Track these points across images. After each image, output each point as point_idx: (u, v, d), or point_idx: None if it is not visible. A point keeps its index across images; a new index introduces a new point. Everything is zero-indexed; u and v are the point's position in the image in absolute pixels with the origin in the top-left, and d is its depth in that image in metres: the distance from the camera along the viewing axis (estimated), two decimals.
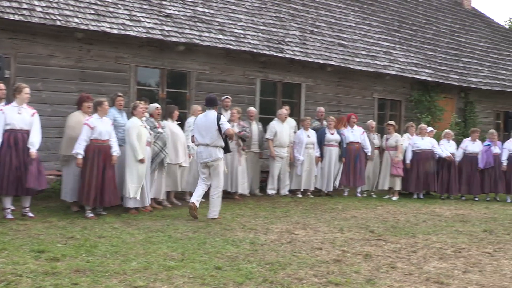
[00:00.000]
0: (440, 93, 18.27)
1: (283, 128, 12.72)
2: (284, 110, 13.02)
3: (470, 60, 21.00)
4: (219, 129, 8.95)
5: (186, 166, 10.82)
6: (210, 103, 9.14)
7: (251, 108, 12.87)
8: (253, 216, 9.68)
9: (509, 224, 9.99)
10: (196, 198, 9.05)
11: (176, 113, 10.84)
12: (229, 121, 11.59)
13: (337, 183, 13.35)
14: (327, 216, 10.07)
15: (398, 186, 13.63)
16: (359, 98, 16.68)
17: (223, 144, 9.06)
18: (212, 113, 9.08)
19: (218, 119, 8.97)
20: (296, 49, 14.92)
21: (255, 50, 13.80)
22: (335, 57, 15.69)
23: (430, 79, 17.72)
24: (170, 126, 10.54)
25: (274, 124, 12.74)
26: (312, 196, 12.91)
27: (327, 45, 16.08)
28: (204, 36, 13.15)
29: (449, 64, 19.65)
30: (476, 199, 14.26)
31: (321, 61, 15.12)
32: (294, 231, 8.29)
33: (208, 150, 9.00)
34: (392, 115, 17.54)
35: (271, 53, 14.09)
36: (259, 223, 8.96)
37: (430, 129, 14.59)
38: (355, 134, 13.52)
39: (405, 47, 18.89)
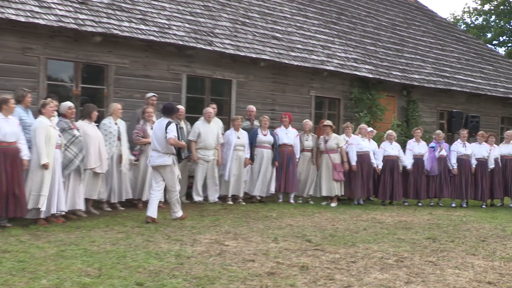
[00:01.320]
0: (382, 90, 18.70)
1: (208, 129, 12.67)
2: (210, 109, 12.97)
3: (412, 56, 21.61)
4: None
5: (102, 173, 10.65)
6: (166, 112, 10.01)
7: (178, 107, 12.80)
8: (178, 226, 9.63)
9: (453, 230, 10.34)
10: (151, 211, 9.86)
11: (95, 113, 10.67)
12: (144, 120, 11.72)
13: (272, 188, 13.46)
14: (260, 224, 10.13)
15: (338, 192, 13.86)
16: (295, 96, 16.87)
17: (174, 151, 9.93)
18: (164, 121, 9.93)
19: (166, 126, 9.80)
20: (226, 41, 14.95)
21: (180, 43, 13.74)
22: (269, 51, 15.81)
23: (370, 75, 18.12)
24: (85, 127, 10.36)
25: (199, 125, 12.69)
26: (244, 203, 12.97)
27: (260, 37, 16.19)
28: (124, 26, 12.99)
29: (390, 60, 20.16)
30: (420, 204, 14.68)
31: (253, 55, 15.20)
32: (224, 242, 8.30)
33: (158, 155, 9.92)
34: (330, 114, 17.83)
35: (199, 45, 14.06)
36: (186, 233, 8.92)
37: (370, 129, 14.94)
38: (289, 135, 13.66)
39: (344, 41, 19.25)
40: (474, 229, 10.68)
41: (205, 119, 12.77)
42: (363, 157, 14.05)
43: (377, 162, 14.33)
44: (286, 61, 15.95)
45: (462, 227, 10.81)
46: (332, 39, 18.87)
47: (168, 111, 10.03)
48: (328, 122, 14.18)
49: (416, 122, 19.82)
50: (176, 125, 10.04)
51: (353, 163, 13.90)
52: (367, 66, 18.49)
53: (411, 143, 14.97)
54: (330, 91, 17.81)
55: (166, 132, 9.77)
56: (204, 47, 14.13)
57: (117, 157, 11.19)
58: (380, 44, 20.88)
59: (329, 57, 17.61)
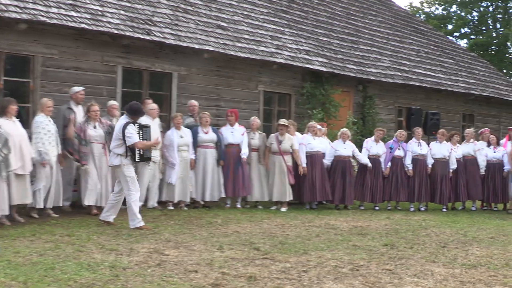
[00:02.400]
0: (336, 85, 18.88)
1: (153, 127, 12.56)
2: (155, 105, 12.89)
3: (369, 48, 21.89)
4: (124, 138, 9.93)
5: (26, 175, 10.44)
6: (129, 113, 10.12)
7: (112, 102, 12.68)
8: (113, 234, 9.54)
9: (412, 236, 10.51)
10: (104, 214, 10.31)
11: (12, 108, 10.34)
12: (88, 119, 11.49)
13: (222, 192, 13.38)
14: (204, 232, 10.12)
15: (290, 196, 13.93)
16: (242, 91, 16.90)
17: (123, 152, 9.98)
18: (123, 121, 10.08)
19: (124, 127, 9.91)
20: (166, 31, 14.87)
21: (115, 31, 13.61)
22: (213, 42, 15.80)
23: (324, 69, 18.28)
24: (4, 124, 10.11)
25: (143, 121, 12.41)
26: (186, 209, 12.92)
27: (203, 27, 16.16)
28: (52, 13, 12.79)
29: (345, 52, 20.38)
30: (377, 208, 14.88)
31: (196, 46, 15.16)
32: (164, 251, 8.26)
33: (111, 155, 10.22)
34: (280, 111, 17.93)
35: (136, 35, 13.96)
36: (122, 242, 8.85)
37: (320, 127, 15.01)
38: (235, 134, 13.63)
39: (295, 31, 19.37)
40: (434, 234, 10.87)
41: (151, 116, 12.59)
42: (314, 158, 14.15)
43: (326, 162, 14.46)
44: (232, 53, 15.96)
45: (421, 233, 11.00)
46: (282, 29, 18.97)
47: (131, 111, 10.14)
48: (283, 122, 14.18)
49: (373, 119, 20.07)
50: (137, 124, 10.13)
51: (303, 164, 14.00)
52: (320, 59, 18.64)
53: (368, 142, 15.15)
54: (280, 86, 17.90)
55: (124, 135, 9.88)
56: (141, 37, 14.03)
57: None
58: (334, 35, 21.09)
59: (279, 48, 17.69)
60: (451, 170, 15.39)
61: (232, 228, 10.61)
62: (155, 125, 12.51)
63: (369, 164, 14.76)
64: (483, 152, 15.78)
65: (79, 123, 11.51)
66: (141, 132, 10.19)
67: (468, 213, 15.09)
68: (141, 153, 10.15)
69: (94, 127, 11.47)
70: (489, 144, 15.96)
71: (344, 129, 15.20)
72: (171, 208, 12.82)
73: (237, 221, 11.52)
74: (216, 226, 10.83)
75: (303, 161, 13.99)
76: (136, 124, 10.15)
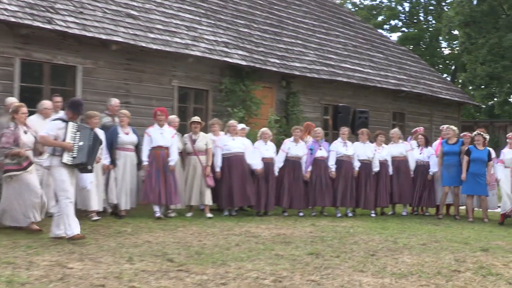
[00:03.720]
0: (257, 81, 18.97)
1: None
2: (49, 102, 12.48)
3: (293, 40, 22.10)
4: None
5: None
6: (72, 109, 10.12)
7: (10, 98, 12.41)
8: (10, 245, 9.36)
9: (338, 244, 10.66)
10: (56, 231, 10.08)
11: None
12: (15, 122, 10.90)
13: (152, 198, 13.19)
14: (112, 242, 10.01)
15: (209, 200, 13.92)
16: (154, 87, 16.82)
17: (53, 151, 9.99)
18: (57, 116, 10.36)
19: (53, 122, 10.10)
20: (70, 19, 14.65)
21: (12, 19, 13.33)
22: (122, 32, 15.65)
23: (244, 63, 18.35)
24: None
25: (33, 121, 11.93)
26: (97, 218, 12.45)
27: (111, 15, 16.00)
28: None
29: (267, 45, 20.50)
30: (301, 214, 15.00)
31: (103, 37, 15.00)
32: (67, 264, 8.14)
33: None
34: (197, 109, 17.90)
35: (35, 23, 13.70)
36: (20, 254, 8.68)
37: (241, 126, 15.07)
38: (165, 136, 13.45)
39: (213, 22, 19.37)
40: (362, 241, 11.04)
41: (44, 115, 12.30)
42: (231, 160, 14.17)
43: (254, 164, 14.49)
44: (144, 44, 15.85)
45: (349, 240, 11.15)
46: (199, 18, 18.95)
47: (73, 107, 10.17)
48: (196, 119, 14.21)
49: (297, 117, 20.22)
50: (64, 121, 9.98)
51: (217, 168, 14.04)
52: (240, 52, 18.71)
53: (287, 143, 15.18)
54: (197, 81, 17.88)
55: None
56: (42, 26, 13.78)
57: None
58: (255, 26, 21.19)
59: (195, 40, 17.67)
60: (373, 173, 15.67)
61: (143, 238, 10.54)
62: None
63: (276, 170, 14.84)
64: (413, 153, 16.14)
65: (8, 130, 10.78)
66: (78, 133, 9.96)
67: (398, 218, 15.35)
68: (74, 156, 9.90)
69: (25, 132, 10.98)
70: (418, 145, 16.37)
71: (265, 129, 15.25)
72: (96, 218, 12.36)
73: (148, 230, 11.44)
74: (125, 235, 10.73)
75: (216, 164, 14.03)
76: (73, 124, 9.99)
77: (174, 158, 13.41)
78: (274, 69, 19.42)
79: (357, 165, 15.46)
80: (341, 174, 15.26)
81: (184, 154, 14.09)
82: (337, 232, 12.23)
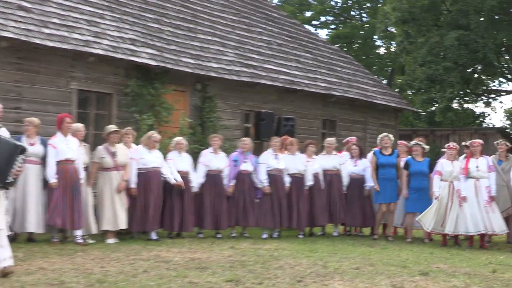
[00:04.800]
0: (169, 83, 18.95)
1: None
2: None
3: (209, 37, 22.15)
4: None
5: None
6: None
7: None
8: None
9: (261, 269, 10.71)
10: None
11: None
12: None
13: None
14: None
15: (124, 224, 13.66)
16: (50, 89, 16.64)
17: None
18: None
19: None
20: None
21: None
22: (13, 27, 15.46)
23: (153, 63, 18.32)
24: None
25: None
26: None
27: (0, 7, 15.78)
28: None
29: (180, 42, 20.50)
30: (219, 236, 15.04)
31: None
32: None
33: None
34: (99, 115, 17.77)
35: None
36: None
37: (156, 135, 14.90)
38: (71, 147, 13.19)
39: (117, 16, 19.28)
40: (288, 266, 11.12)
41: None
42: (148, 176, 14.05)
43: (171, 178, 14.47)
44: (38, 41, 15.68)
45: (273, 264, 11.22)
46: (101, 12, 18.83)
47: None
48: (115, 127, 13.96)
49: (214, 125, 20.25)
50: None
51: (133, 185, 13.93)
52: (148, 50, 18.67)
53: (206, 154, 15.19)
54: (99, 83, 17.78)
55: None
56: None
57: None
58: (166, 20, 21.17)
59: (97, 36, 17.56)
60: (306, 188, 15.80)
61: (37, 264, 10.42)
62: None
63: (195, 186, 14.88)
64: (346, 166, 16.32)
65: None
66: None
67: (329, 239, 15.54)
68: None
69: None
70: (351, 156, 16.57)
71: (179, 138, 15.22)
72: None
73: (43, 255, 11.32)
74: (17, 261, 10.57)
75: (132, 180, 13.90)
76: None
77: (83, 175, 13.27)
78: (188, 70, 19.44)
79: (287, 180, 15.54)
80: (272, 190, 15.33)
81: (93, 169, 13.81)
82: (259, 255, 12.29)
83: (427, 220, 14.90)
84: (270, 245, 13.95)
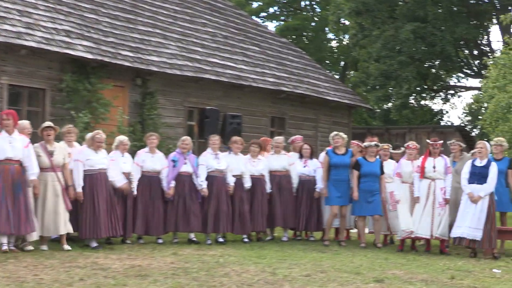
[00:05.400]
0: (106, 78, 18.88)
1: None
2: None
3: (150, 29, 22.11)
4: None
5: None
6: None
7: None
8: None
9: (206, 277, 10.74)
10: None
11: None
12: None
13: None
14: None
15: (65, 227, 13.35)
16: None
17: None
18: None
19: None
20: None
21: None
22: None
23: (90, 56, 18.25)
24: None
25: None
26: None
27: None
28: None
29: (119, 34, 20.43)
30: (160, 241, 15.00)
31: None
32: None
33: None
34: (31, 112, 17.63)
35: None
36: None
37: (101, 135, 14.71)
38: (14, 145, 12.83)
39: (51, 5, 19.15)
40: (234, 273, 11.15)
41: None
42: (94, 178, 13.86)
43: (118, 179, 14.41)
44: None
45: (218, 272, 11.24)
46: (34, 1, 18.69)
47: None
48: (49, 124, 13.63)
49: (155, 123, 20.23)
50: None
51: (79, 188, 13.69)
52: (85, 43, 18.58)
53: (141, 155, 15.02)
54: (31, 78, 17.67)
55: None
56: None
57: None
58: (103, 11, 21.07)
59: (29, 27, 17.44)
60: (246, 189, 15.74)
61: None
62: None
63: (134, 189, 14.78)
64: (296, 166, 16.35)
65: None
66: None
67: (278, 244, 15.55)
68: None
69: None
70: (301, 156, 16.64)
71: (123, 137, 14.98)
72: None
73: None
74: None
75: (77, 183, 13.68)
76: None
77: (35, 171, 12.88)
78: (127, 63, 19.40)
79: (231, 180, 15.48)
80: (212, 193, 15.20)
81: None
82: (204, 262, 12.30)
83: (407, 225, 15.01)
84: (215, 251, 13.95)
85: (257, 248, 14.64)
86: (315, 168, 16.32)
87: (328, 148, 16.35)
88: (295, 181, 16.30)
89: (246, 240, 15.67)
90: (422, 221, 14.84)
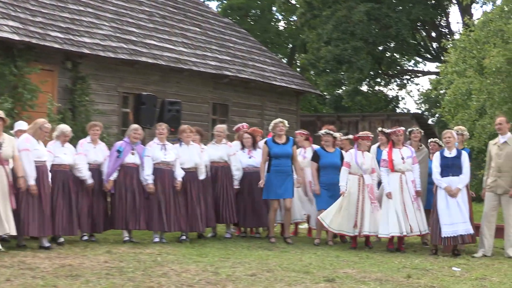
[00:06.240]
0: (34, 61, 18.76)
1: None
2: None
3: (81, 8, 22.02)
4: None
5: None
6: None
7: None
8: None
9: (142, 277, 10.78)
10: None
11: None
12: None
13: None
14: None
15: (10, 226, 13.21)
16: None
17: None
18: None
19: None
20: None
21: None
22: None
23: (16, 37, 18.11)
24: None
25: None
26: None
27: None
28: None
29: (47, 13, 20.31)
30: (94, 239, 15.01)
31: None
32: None
33: None
34: None
35: None
36: None
37: (22, 125, 14.62)
38: None
39: None
40: (173, 273, 11.19)
41: None
42: (40, 171, 13.58)
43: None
44: None
45: (156, 271, 11.28)
46: None
47: None
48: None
49: (87, 110, 20.16)
50: None
51: (31, 181, 13.41)
52: (10, 23, 18.45)
53: (84, 145, 14.88)
54: None
55: None
56: None
57: None
58: None
59: None
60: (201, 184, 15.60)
61: None
62: None
63: (89, 181, 14.69)
64: (238, 157, 16.31)
65: None
66: None
67: (220, 242, 15.60)
68: None
69: None
70: (243, 146, 16.53)
71: (64, 126, 14.71)
72: None
73: None
74: None
75: (29, 175, 13.52)
76: None
77: None
78: (56, 45, 19.30)
79: (180, 174, 15.22)
80: (159, 188, 15.02)
81: None
82: (140, 261, 12.31)
83: (327, 217, 14.92)
84: (152, 249, 13.92)
85: (198, 246, 14.63)
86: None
87: (267, 137, 16.35)
88: (236, 173, 16.14)
89: (184, 238, 15.35)
90: (394, 219, 14.70)
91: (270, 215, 15.84)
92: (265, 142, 15.94)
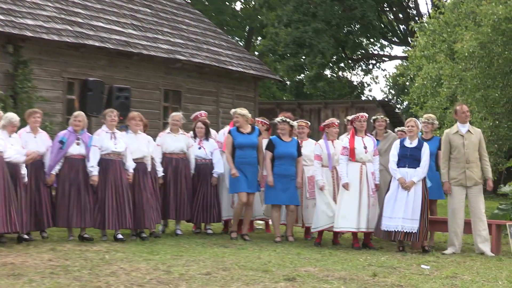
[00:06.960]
0: None
1: None
2: None
3: None
4: None
5: None
6: None
7: None
8: None
9: (89, 276, 10.77)
10: None
11: None
12: None
13: None
14: None
15: None
16: None
17: None
18: None
19: None
20: None
21: None
22: None
23: None
24: None
25: None
26: None
27: None
28: None
29: None
30: (45, 235, 14.96)
31: None
32: None
33: None
34: None
35: None
36: None
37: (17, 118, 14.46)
38: None
39: None
40: (122, 272, 11.19)
41: None
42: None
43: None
44: None
45: (104, 270, 11.26)
46: None
47: None
48: None
49: (30, 97, 20.09)
50: None
51: None
52: None
53: (22, 135, 14.69)
54: None
55: None
56: None
57: None
58: None
59: None
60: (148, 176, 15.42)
61: None
62: None
63: (24, 173, 14.51)
64: (195, 149, 16.18)
65: None
66: None
67: (173, 239, 15.60)
68: None
69: None
70: (195, 136, 16.28)
71: (13, 115, 14.37)
72: None
73: None
74: None
75: None
76: None
77: None
78: None
79: (130, 165, 15.02)
80: (107, 181, 14.75)
81: None
82: (87, 259, 12.29)
83: (323, 219, 14.92)
84: (100, 246, 13.89)
85: (148, 243, 14.63)
86: (212, 150, 16.16)
87: (230, 127, 16.26)
88: (192, 166, 16.11)
89: (134, 237, 15.27)
90: (350, 212, 14.62)
91: (236, 210, 15.81)
92: (229, 132, 15.79)
